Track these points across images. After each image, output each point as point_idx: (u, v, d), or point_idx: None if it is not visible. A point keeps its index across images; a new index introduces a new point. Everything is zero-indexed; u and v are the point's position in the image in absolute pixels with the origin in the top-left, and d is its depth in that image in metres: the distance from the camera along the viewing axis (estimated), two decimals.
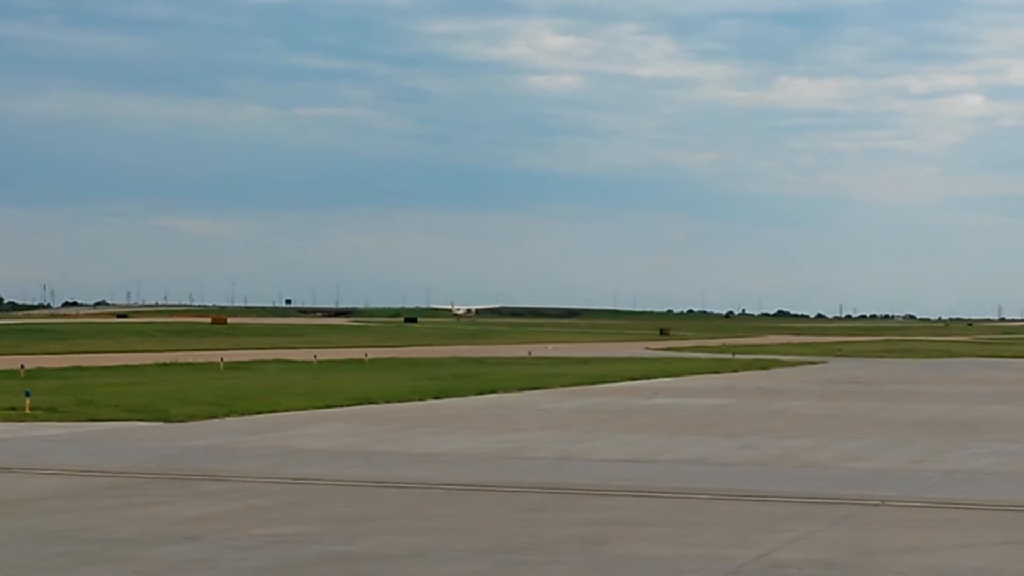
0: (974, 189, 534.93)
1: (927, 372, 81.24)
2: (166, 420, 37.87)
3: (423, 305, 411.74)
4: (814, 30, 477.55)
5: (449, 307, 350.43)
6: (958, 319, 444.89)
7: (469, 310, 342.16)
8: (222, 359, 74.46)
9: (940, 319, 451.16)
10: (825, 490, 24.50)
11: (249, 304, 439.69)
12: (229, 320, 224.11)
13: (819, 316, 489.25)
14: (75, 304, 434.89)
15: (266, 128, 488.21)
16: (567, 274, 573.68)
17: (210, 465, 27.51)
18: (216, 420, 38.45)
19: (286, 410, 42.10)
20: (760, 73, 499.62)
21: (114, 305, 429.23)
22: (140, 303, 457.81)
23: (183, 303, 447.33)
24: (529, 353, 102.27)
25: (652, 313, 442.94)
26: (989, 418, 43.11)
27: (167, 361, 76.59)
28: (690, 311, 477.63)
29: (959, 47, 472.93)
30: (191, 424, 37.17)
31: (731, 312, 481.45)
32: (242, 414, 40.28)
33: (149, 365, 71.78)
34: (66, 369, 66.43)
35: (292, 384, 54.95)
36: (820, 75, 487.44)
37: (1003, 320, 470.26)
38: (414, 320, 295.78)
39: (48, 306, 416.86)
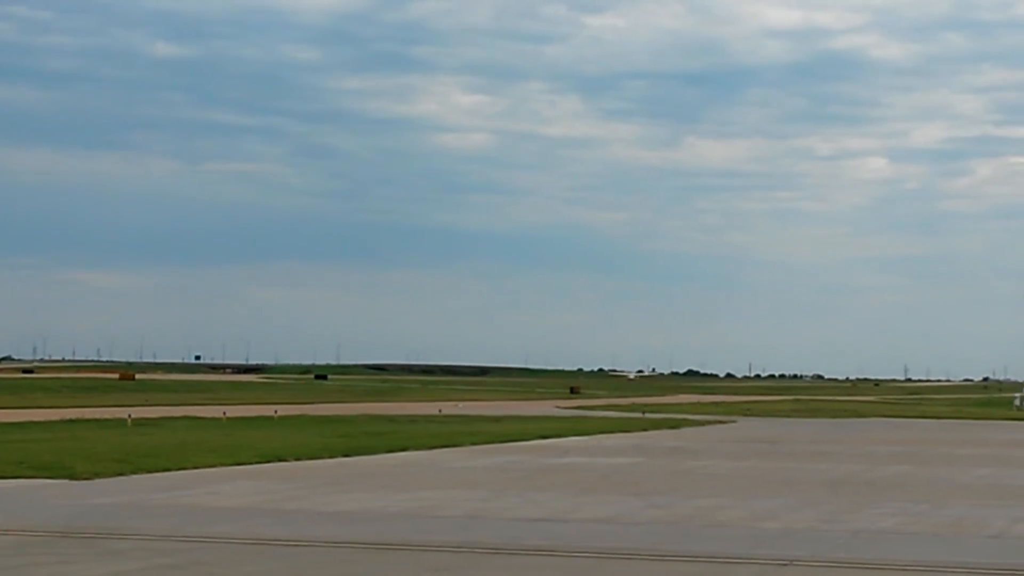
0: (880, 250, 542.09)
1: (835, 432, 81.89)
2: (72, 477, 37.39)
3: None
4: (720, 91, 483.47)
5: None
6: (865, 379, 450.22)
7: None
8: (130, 415, 73.65)
9: (848, 379, 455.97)
10: (734, 549, 24.61)
11: (158, 360, 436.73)
12: (137, 376, 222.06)
13: (728, 375, 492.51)
14: None
15: (174, 182, 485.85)
16: (478, 332, 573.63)
17: (117, 523, 27.17)
18: (123, 477, 38.01)
19: (194, 467, 41.71)
20: (667, 133, 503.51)
21: (20, 360, 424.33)
22: (46, 358, 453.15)
23: (90, 359, 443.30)
24: (439, 411, 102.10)
25: (562, 371, 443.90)
26: (896, 478, 43.53)
27: (73, 417, 75.54)
28: (600, 370, 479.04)
29: (863, 110, 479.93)
30: (97, 481, 36.71)
31: (641, 371, 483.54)
32: (150, 471, 39.85)
33: (55, 421, 70.85)
34: None
35: (200, 441, 54.45)
36: (726, 135, 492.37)
37: (909, 380, 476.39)
38: (324, 377, 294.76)
39: None
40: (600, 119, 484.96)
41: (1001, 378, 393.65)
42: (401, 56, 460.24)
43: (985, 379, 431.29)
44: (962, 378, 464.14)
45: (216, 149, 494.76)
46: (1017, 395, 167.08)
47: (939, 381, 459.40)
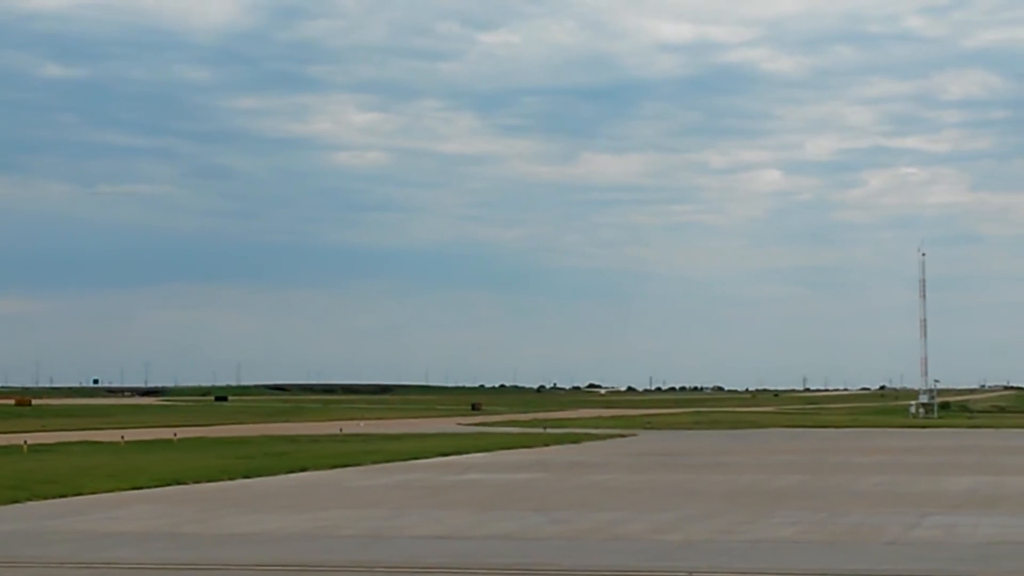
0: (776, 262, 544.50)
1: (734, 443, 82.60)
2: None
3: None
4: (615, 106, 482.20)
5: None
6: (765, 390, 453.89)
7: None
8: (25, 442, 72.67)
9: (748, 390, 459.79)
10: (635, 562, 24.72)
11: (55, 384, 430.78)
12: (33, 401, 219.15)
13: (630, 389, 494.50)
14: None
15: (68, 205, 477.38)
16: (378, 350, 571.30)
17: (12, 551, 26.80)
18: (18, 505, 37.50)
19: (92, 493, 41.25)
20: (564, 148, 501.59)
21: None
22: None
23: None
24: (340, 430, 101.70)
25: (464, 388, 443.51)
26: (793, 488, 43.98)
27: None
28: (502, 386, 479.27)
29: (756, 123, 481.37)
30: None
31: (543, 386, 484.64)
32: (46, 498, 39.34)
33: None
34: None
35: (98, 466, 53.84)
36: (622, 150, 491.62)
37: (808, 390, 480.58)
38: (224, 399, 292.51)
39: None
40: (496, 135, 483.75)
41: (897, 386, 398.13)
42: (295, 75, 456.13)
43: (882, 388, 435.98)
44: (859, 387, 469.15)
45: (109, 171, 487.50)
46: (913, 403, 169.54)
47: (837, 390, 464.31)
